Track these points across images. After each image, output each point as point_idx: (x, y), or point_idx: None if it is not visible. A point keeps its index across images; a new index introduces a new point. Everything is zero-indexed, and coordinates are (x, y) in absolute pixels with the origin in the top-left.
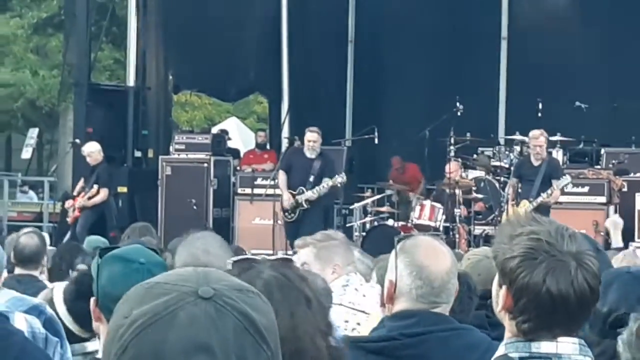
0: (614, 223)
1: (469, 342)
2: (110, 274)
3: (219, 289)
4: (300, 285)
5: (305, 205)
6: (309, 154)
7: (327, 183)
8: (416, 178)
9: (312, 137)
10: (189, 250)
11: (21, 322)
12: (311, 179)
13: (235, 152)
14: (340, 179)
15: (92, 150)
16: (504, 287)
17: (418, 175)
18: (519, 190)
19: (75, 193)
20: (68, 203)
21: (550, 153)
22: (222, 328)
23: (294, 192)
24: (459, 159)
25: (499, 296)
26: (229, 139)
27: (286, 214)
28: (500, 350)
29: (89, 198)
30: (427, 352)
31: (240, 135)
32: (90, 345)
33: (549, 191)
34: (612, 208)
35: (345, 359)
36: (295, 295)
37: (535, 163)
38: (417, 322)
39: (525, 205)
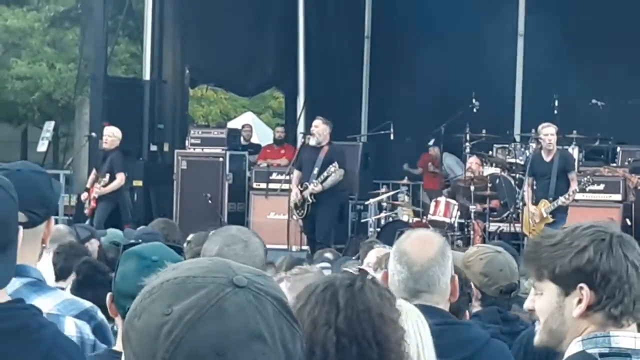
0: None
1: (464, 337)
2: (123, 271)
3: (248, 276)
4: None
5: (311, 200)
6: (313, 142)
7: (328, 171)
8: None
9: (315, 123)
10: (223, 235)
11: (71, 327)
12: (315, 170)
13: (257, 148)
14: (333, 168)
15: (114, 133)
16: (575, 291)
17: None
18: (534, 187)
19: (88, 185)
20: (83, 195)
21: (566, 149)
22: (265, 314)
23: (300, 189)
24: (475, 155)
25: (565, 306)
26: (250, 135)
27: (296, 210)
28: (576, 347)
29: (104, 186)
30: None
31: (256, 130)
32: None
33: (567, 195)
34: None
35: None
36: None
37: (547, 158)
38: None
39: (545, 205)
